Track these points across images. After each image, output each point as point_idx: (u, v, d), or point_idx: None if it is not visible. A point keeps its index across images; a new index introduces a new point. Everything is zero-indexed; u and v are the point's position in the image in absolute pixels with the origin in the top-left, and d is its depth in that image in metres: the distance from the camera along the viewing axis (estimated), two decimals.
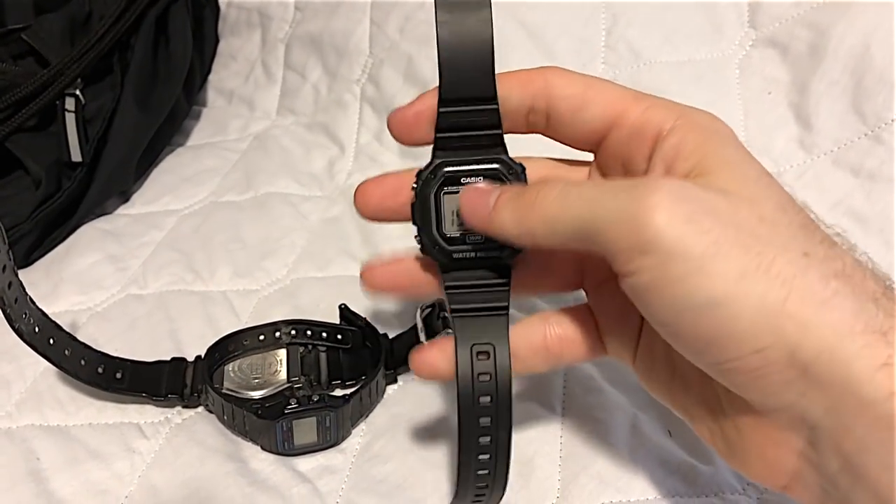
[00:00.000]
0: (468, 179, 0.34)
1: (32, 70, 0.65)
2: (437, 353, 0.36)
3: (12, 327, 0.41)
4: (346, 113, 0.73)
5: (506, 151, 0.34)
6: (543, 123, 0.35)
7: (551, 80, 0.34)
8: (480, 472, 0.34)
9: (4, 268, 0.40)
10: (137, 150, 0.69)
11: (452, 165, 0.34)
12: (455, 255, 0.35)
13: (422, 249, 0.36)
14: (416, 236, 0.35)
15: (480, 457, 0.33)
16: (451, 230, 0.35)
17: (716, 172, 0.29)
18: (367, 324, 0.49)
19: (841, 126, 0.54)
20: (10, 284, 0.40)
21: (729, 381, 0.29)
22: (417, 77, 0.69)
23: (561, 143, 0.36)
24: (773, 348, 0.27)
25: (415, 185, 0.35)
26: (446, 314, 0.47)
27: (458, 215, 0.34)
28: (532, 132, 0.36)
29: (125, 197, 0.69)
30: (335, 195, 0.67)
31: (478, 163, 0.34)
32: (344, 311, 0.50)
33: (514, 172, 0.34)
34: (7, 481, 0.42)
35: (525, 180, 0.34)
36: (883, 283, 0.28)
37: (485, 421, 0.33)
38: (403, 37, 0.71)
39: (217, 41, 0.88)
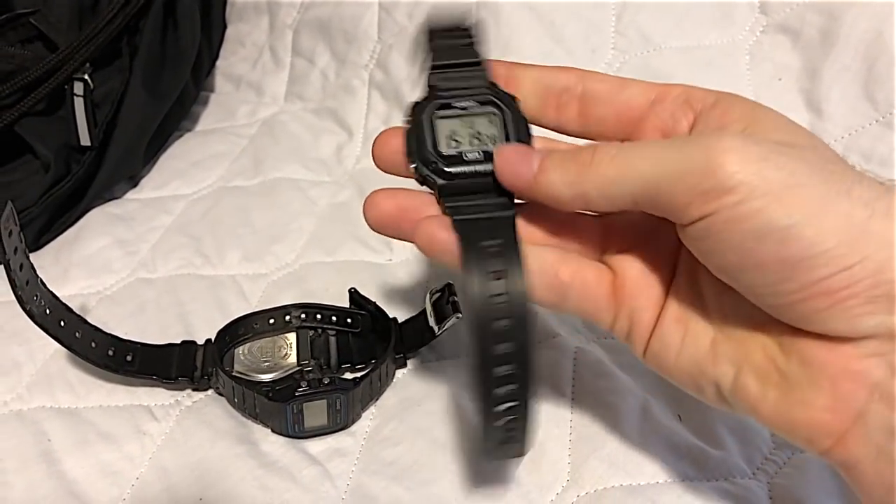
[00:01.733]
0: (461, 103, 0.34)
1: (41, 54, 0.65)
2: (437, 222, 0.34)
3: (24, 309, 0.41)
4: (355, 98, 0.73)
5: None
6: (575, 109, 0.35)
7: (586, 74, 0.35)
8: (505, 404, 0.31)
9: (16, 250, 0.40)
10: (146, 135, 0.69)
11: (443, 91, 0.35)
12: (453, 171, 0.34)
13: (418, 179, 0.35)
14: (412, 166, 0.34)
15: (498, 370, 0.30)
16: (447, 150, 0.34)
17: (770, 131, 0.30)
18: (377, 308, 0.49)
19: (852, 112, 0.54)
20: (21, 266, 0.41)
21: (812, 309, 0.28)
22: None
23: (588, 137, 0.36)
24: (860, 265, 0.26)
25: (409, 116, 0.35)
26: (456, 298, 0.47)
27: (454, 138, 0.34)
28: (557, 128, 0.36)
29: (134, 181, 0.69)
30: (343, 180, 0.67)
31: (469, 87, 0.35)
32: (353, 294, 0.50)
33: (504, 96, 0.35)
34: (19, 462, 0.43)
35: (518, 108, 0.35)
36: None
37: (500, 326, 0.30)
38: (412, 22, 0.71)
39: (225, 27, 0.88)
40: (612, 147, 0.30)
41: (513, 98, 0.35)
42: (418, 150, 0.34)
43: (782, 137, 0.29)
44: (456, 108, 0.34)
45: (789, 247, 0.27)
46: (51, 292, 0.44)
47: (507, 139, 0.34)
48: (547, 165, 0.32)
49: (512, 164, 0.32)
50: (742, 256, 0.28)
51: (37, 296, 0.42)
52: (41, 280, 0.43)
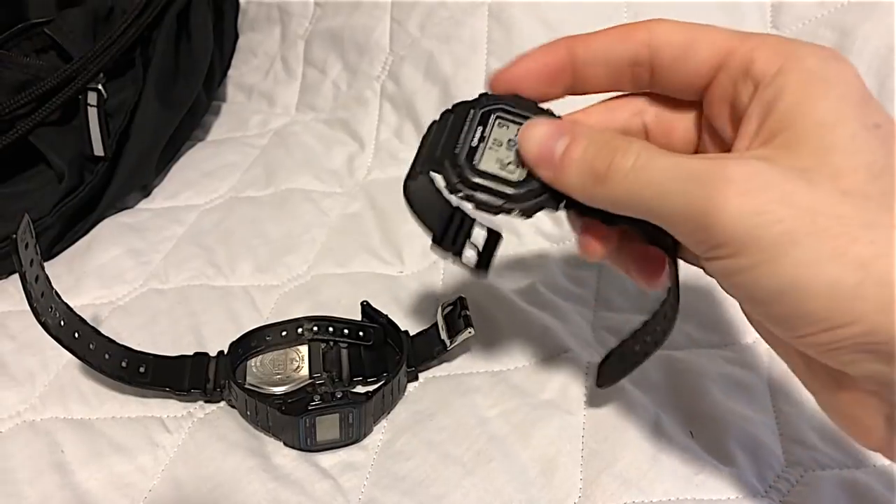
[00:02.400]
0: (507, 119, 0.34)
1: (55, 64, 0.66)
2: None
3: (39, 321, 0.41)
4: (367, 110, 0.73)
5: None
6: (647, 77, 0.34)
7: (655, 29, 0.33)
8: None
9: (32, 262, 0.40)
10: (159, 145, 0.70)
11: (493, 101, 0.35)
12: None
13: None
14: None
15: None
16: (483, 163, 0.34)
17: (802, 142, 0.28)
18: (389, 321, 0.49)
19: None
20: (37, 278, 0.41)
21: (806, 350, 0.29)
22: (438, 74, 0.69)
23: (668, 95, 0.35)
24: (846, 327, 0.26)
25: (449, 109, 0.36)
26: (468, 312, 0.47)
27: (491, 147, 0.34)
28: (636, 91, 0.36)
29: (146, 191, 0.70)
30: (355, 191, 0.67)
31: (520, 114, 0.34)
32: (365, 307, 0.50)
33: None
34: (32, 473, 0.43)
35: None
36: None
37: None
38: (424, 34, 0.71)
39: (237, 36, 0.89)
40: (628, 157, 0.30)
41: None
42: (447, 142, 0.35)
43: (811, 154, 0.28)
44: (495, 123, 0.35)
45: (776, 307, 0.28)
46: (65, 304, 0.44)
47: None
48: (568, 162, 0.31)
49: (537, 141, 0.32)
50: (740, 299, 0.30)
51: (52, 307, 0.42)
52: (56, 291, 0.43)
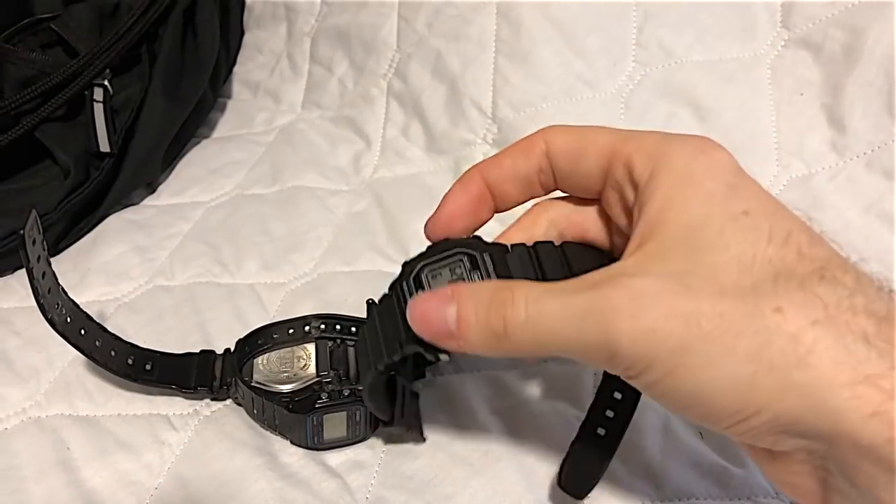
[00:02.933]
0: (431, 274, 0.34)
1: (60, 60, 0.66)
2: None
3: (46, 317, 0.41)
4: (373, 107, 0.73)
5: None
6: (552, 182, 0.36)
7: (549, 138, 0.35)
8: None
9: (39, 258, 0.40)
10: (165, 141, 0.69)
11: (420, 263, 0.35)
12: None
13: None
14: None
15: None
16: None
17: (676, 246, 0.29)
18: None
19: (875, 128, 0.53)
20: (43, 274, 0.41)
21: (734, 438, 0.29)
22: (445, 72, 0.69)
23: (572, 195, 0.37)
24: (754, 417, 0.27)
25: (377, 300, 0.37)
26: None
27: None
28: (548, 192, 0.37)
29: (152, 188, 0.70)
30: (361, 189, 0.67)
31: (443, 257, 0.34)
32: (371, 307, 0.50)
33: (478, 261, 0.34)
34: (38, 470, 0.43)
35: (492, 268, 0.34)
36: (882, 309, 0.27)
37: None
38: (432, 32, 0.71)
39: (242, 33, 0.89)
40: (518, 312, 0.30)
41: (497, 252, 0.34)
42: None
43: (685, 257, 0.29)
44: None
45: (690, 409, 0.28)
46: (72, 300, 0.44)
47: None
48: (464, 330, 0.31)
49: (425, 319, 0.32)
50: (661, 404, 0.30)
51: (58, 304, 0.42)
52: (62, 288, 0.43)
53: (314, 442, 0.43)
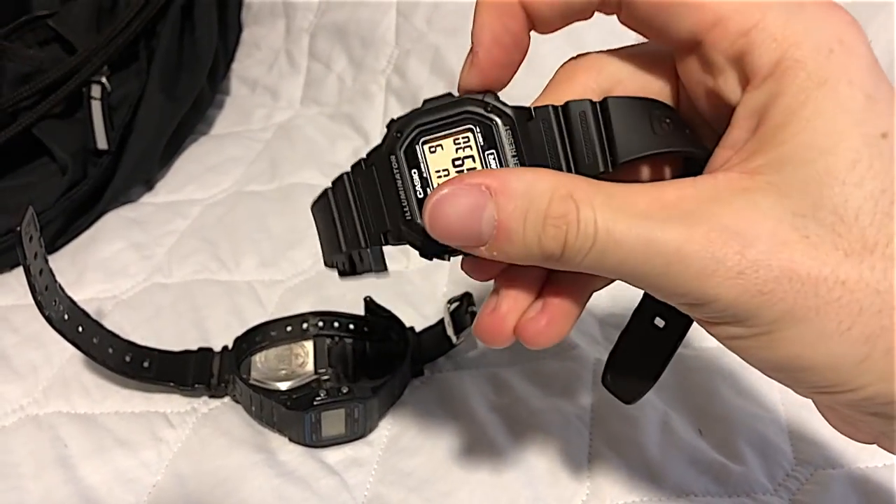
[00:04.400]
0: (429, 147, 0.27)
1: (58, 56, 0.65)
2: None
3: (43, 314, 0.41)
4: (372, 104, 0.73)
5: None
6: (617, 9, 0.27)
7: None
8: None
9: (36, 255, 0.40)
10: (163, 138, 0.69)
11: (419, 120, 0.27)
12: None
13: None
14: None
15: None
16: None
17: (795, 173, 0.24)
18: (392, 316, 0.49)
19: None
20: (41, 271, 0.41)
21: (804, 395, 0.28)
22: (444, 68, 0.68)
23: (638, 32, 0.28)
24: (847, 394, 0.25)
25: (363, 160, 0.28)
26: (475, 308, 0.47)
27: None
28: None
29: (149, 185, 0.69)
30: None
31: (445, 120, 0.27)
32: (369, 303, 0.50)
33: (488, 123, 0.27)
34: (36, 467, 0.42)
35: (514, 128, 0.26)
36: None
37: None
38: (431, 28, 0.70)
39: (240, 29, 0.88)
40: (584, 241, 0.24)
41: (512, 117, 0.27)
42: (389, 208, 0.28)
43: (808, 179, 0.24)
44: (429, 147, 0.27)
45: (770, 371, 0.26)
46: (69, 298, 0.43)
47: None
48: (503, 243, 0.25)
49: (456, 231, 0.26)
50: (729, 348, 0.27)
51: (55, 301, 0.42)
52: (60, 285, 0.43)
53: (312, 439, 0.43)
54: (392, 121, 0.27)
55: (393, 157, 0.27)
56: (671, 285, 0.24)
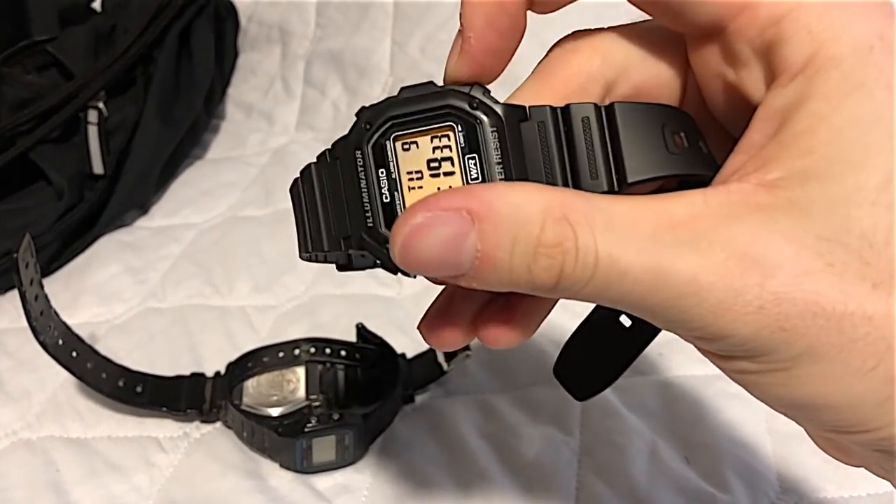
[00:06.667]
0: (403, 144, 0.23)
1: (55, 81, 0.66)
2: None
3: (38, 340, 0.41)
4: None
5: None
6: None
7: None
8: None
9: (32, 281, 0.40)
10: (159, 163, 0.70)
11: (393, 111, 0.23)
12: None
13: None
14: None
15: None
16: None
17: (817, 196, 0.21)
18: (384, 343, 0.49)
19: None
20: (36, 297, 0.41)
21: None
22: None
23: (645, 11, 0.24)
24: (865, 434, 0.23)
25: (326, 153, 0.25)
26: None
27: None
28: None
29: (144, 209, 0.70)
30: None
31: (422, 114, 0.23)
32: (360, 330, 0.50)
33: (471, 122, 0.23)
34: (27, 492, 0.43)
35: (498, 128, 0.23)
36: None
37: None
38: (424, 56, 0.71)
39: (236, 55, 0.89)
40: (588, 263, 0.21)
41: (500, 117, 0.23)
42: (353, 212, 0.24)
43: (844, 189, 0.21)
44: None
45: (796, 413, 0.24)
46: (63, 323, 0.44)
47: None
48: (485, 272, 0.21)
49: (434, 259, 0.21)
50: (736, 382, 0.25)
51: (50, 326, 0.42)
52: (54, 310, 0.43)
53: (303, 465, 0.43)
54: (363, 108, 0.24)
55: (359, 153, 0.23)
56: (682, 319, 0.21)
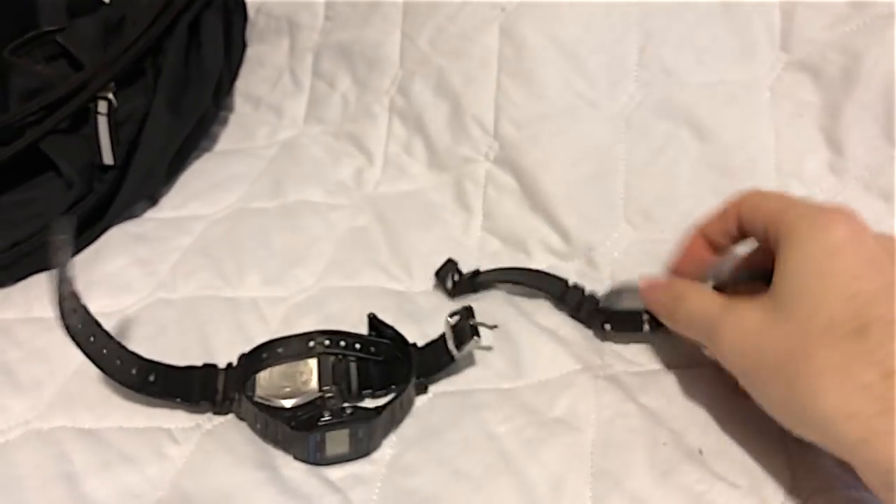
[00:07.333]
0: None
1: (65, 72, 0.66)
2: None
3: (63, 321, 0.41)
4: (375, 123, 0.73)
5: None
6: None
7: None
8: None
9: (66, 261, 0.41)
10: (168, 155, 0.70)
11: None
12: None
13: None
14: None
15: None
16: None
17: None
18: (397, 333, 0.49)
19: (872, 151, 0.54)
20: (66, 279, 0.41)
21: None
22: (448, 90, 0.69)
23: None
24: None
25: None
26: (475, 321, 0.47)
27: None
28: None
29: (154, 201, 0.70)
30: (362, 204, 0.67)
31: None
32: (372, 320, 0.50)
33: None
34: (40, 482, 0.43)
35: None
36: None
37: None
38: (435, 49, 0.71)
39: (244, 47, 0.89)
40: (684, 308, 0.44)
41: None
42: None
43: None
44: None
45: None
46: (84, 306, 0.44)
47: None
48: (649, 300, 0.47)
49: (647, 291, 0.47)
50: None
51: (75, 309, 0.42)
52: (78, 293, 0.43)
53: (316, 458, 0.43)
54: None
55: None
56: (776, 387, 0.38)
